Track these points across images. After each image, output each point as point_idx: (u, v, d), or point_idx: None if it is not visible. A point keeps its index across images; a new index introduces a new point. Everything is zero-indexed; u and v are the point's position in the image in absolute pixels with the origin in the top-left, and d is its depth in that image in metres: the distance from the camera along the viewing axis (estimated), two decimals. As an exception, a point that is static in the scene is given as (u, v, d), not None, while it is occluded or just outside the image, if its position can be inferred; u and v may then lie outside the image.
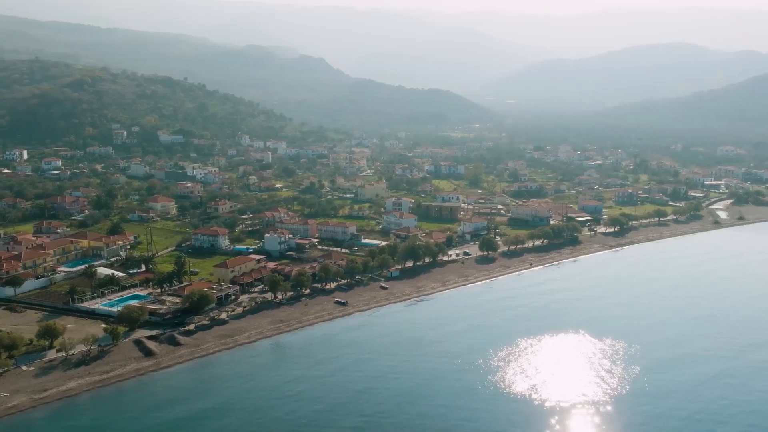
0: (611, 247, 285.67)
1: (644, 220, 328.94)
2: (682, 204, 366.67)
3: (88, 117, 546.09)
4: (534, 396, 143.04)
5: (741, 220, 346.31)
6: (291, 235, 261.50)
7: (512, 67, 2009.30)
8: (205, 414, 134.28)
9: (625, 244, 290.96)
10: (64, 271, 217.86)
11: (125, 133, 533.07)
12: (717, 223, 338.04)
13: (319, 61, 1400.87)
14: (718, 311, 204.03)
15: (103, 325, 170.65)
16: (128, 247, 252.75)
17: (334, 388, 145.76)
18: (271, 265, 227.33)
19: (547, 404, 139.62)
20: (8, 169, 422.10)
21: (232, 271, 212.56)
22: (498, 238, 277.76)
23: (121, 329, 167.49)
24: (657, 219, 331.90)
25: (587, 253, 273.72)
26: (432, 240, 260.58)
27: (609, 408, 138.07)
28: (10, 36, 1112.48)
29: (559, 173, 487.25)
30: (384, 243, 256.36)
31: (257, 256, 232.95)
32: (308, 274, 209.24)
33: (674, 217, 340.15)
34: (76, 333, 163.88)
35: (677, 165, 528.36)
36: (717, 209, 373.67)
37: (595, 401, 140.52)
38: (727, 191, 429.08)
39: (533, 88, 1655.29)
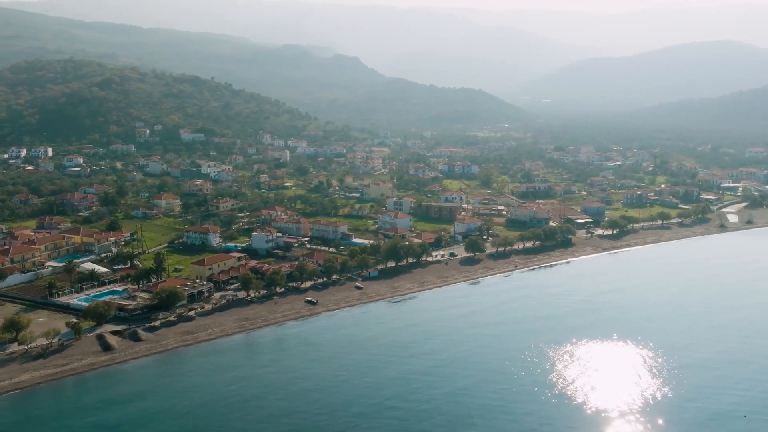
0: (605, 249, 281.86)
1: (646, 223, 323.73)
2: (690, 207, 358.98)
3: (114, 115, 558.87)
4: (454, 379, 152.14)
5: (749, 224, 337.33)
6: (279, 234, 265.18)
7: (553, 66, 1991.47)
8: (127, 398, 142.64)
9: (620, 247, 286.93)
10: (52, 266, 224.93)
11: (148, 131, 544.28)
12: (723, 227, 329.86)
13: (353, 60, 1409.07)
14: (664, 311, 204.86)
15: (72, 320, 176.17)
16: (122, 243, 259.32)
17: (269, 377, 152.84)
18: (252, 263, 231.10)
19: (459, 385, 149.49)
20: (32, 165, 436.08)
21: (210, 269, 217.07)
22: (490, 239, 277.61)
23: (86, 324, 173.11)
24: (660, 222, 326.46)
25: (578, 256, 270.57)
26: (419, 240, 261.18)
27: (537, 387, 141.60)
28: (55, 36, 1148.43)
29: (574, 174, 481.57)
30: (370, 242, 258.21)
31: (238, 254, 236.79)
32: (282, 273, 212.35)
33: (678, 221, 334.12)
34: (45, 327, 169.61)
35: (699, 166, 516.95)
36: (728, 212, 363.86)
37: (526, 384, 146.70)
38: (742, 194, 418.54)
39: (571, 87, 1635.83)
